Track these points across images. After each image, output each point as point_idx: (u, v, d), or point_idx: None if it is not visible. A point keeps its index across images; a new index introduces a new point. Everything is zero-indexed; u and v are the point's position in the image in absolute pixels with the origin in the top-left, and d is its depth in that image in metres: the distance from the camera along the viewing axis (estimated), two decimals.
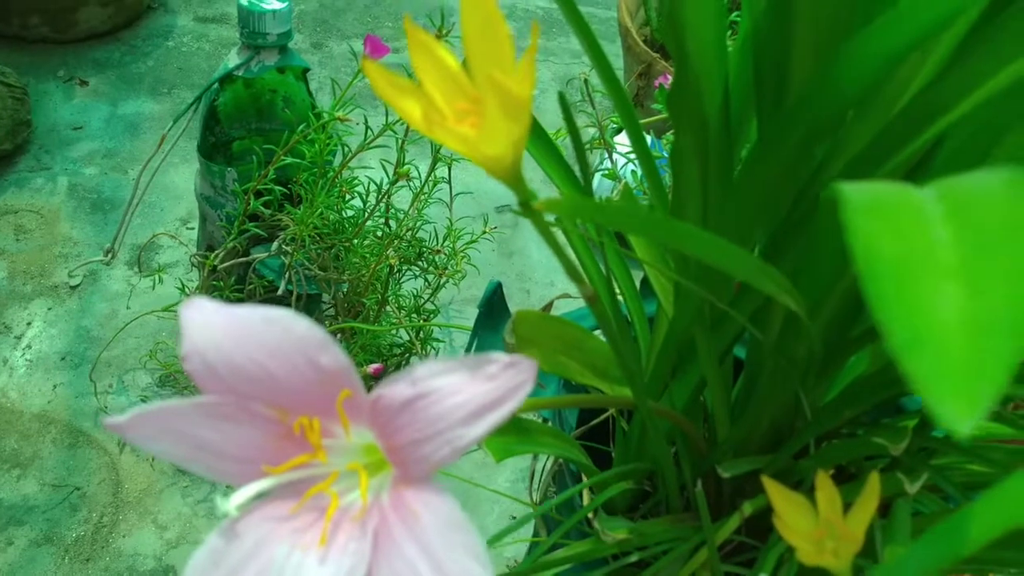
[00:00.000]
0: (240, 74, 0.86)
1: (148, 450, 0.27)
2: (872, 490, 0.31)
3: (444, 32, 0.73)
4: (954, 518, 0.18)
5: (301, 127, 0.77)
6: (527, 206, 0.24)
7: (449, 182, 0.91)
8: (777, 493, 0.32)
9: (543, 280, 1.24)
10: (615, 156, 0.96)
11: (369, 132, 0.78)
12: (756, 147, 0.33)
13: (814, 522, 0.32)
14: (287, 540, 0.26)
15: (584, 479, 0.55)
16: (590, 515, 0.49)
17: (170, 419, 0.27)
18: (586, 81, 0.81)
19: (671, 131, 0.93)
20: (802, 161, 0.34)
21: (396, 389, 0.25)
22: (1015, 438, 0.54)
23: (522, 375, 0.24)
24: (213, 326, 0.27)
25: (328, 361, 0.26)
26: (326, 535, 0.26)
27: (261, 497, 0.28)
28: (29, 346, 1.08)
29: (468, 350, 0.52)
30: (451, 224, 0.96)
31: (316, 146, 0.79)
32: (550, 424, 0.56)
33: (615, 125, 1.09)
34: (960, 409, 0.13)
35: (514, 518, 0.96)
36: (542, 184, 1.35)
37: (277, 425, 0.27)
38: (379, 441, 0.27)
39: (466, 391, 0.25)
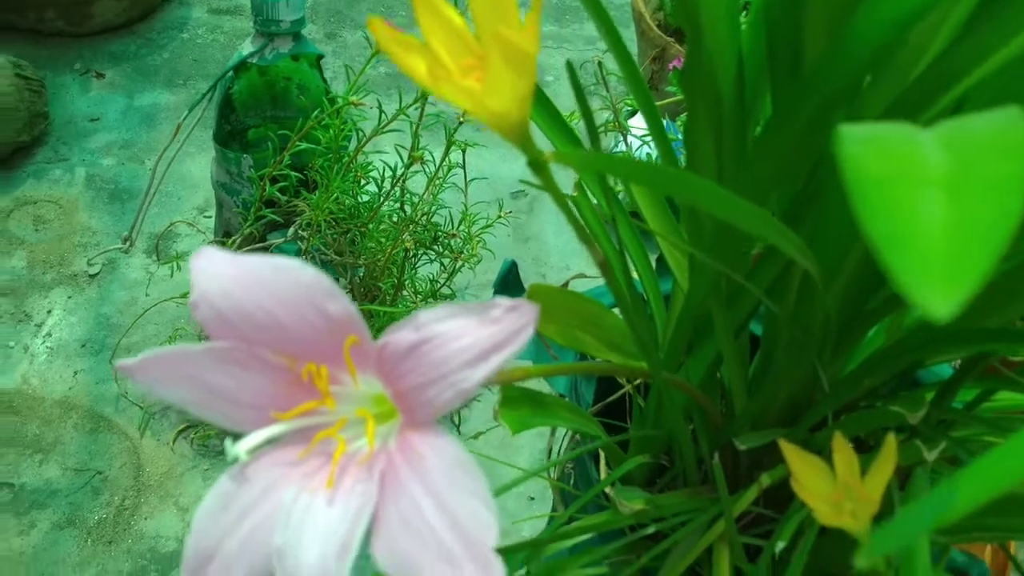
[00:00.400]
0: (254, 62, 0.86)
1: (159, 395, 0.28)
2: (889, 452, 0.31)
3: None
4: (957, 476, 0.18)
5: (316, 112, 0.78)
6: (536, 164, 0.25)
7: (464, 167, 0.91)
8: (794, 455, 0.32)
9: (559, 264, 1.24)
10: (629, 139, 0.96)
11: (384, 117, 0.78)
12: (771, 119, 0.34)
13: (832, 484, 0.32)
14: (295, 484, 0.27)
15: (601, 454, 0.56)
16: (607, 490, 0.49)
17: (180, 364, 0.27)
18: (600, 64, 0.81)
19: (685, 113, 0.93)
20: (817, 132, 0.34)
21: (401, 335, 0.26)
22: None
23: (524, 318, 0.25)
24: (222, 274, 0.27)
25: (335, 309, 0.26)
26: (333, 477, 0.27)
27: (271, 444, 0.28)
28: (50, 334, 1.09)
29: None
30: (466, 209, 0.96)
31: (331, 131, 0.79)
32: (567, 401, 0.56)
33: (629, 108, 1.09)
34: (940, 293, 0.13)
35: (532, 498, 0.97)
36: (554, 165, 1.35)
37: (286, 372, 0.28)
38: (386, 387, 0.27)
39: (470, 335, 0.25)
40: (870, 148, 0.17)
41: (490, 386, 0.98)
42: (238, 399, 0.28)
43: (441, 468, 0.25)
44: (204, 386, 0.27)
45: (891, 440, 0.30)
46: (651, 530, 0.46)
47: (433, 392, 0.26)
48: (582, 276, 0.69)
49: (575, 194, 0.55)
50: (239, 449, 0.27)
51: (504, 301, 0.25)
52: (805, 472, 0.32)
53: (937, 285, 0.13)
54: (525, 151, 0.25)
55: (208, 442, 1.00)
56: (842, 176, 0.16)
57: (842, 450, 0.32)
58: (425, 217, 0.90)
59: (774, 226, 0.25)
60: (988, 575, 0.54)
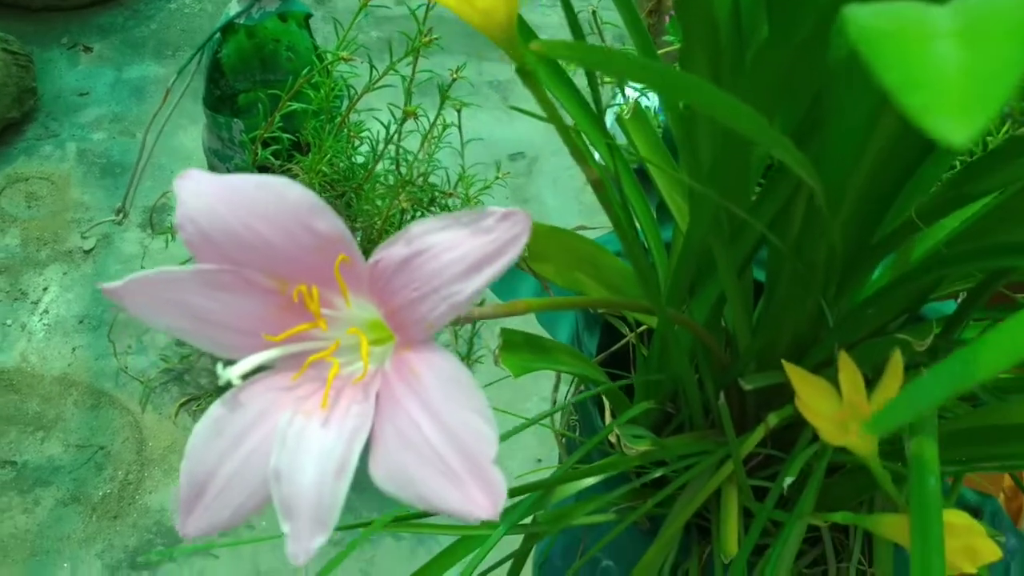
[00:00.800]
0: (241, 22, 0.84)
1: (149, 321, 0.27)
2: (895, 368, 0.30)
3: None
4: (962, 352, 0.17)
5: (306, 70, 0.76)
6: (524, 71, 0.24)
7: (459, 128, 0.90)
8: (798, 376, 0.31)
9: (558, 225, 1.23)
10: (627, 91, 0.95)
11: (375, 72, 0.77)
12: (768, 34, 0.32)
13: (837, 405, 0.31)
14: (290, 407, 0.26)
15: (606, 403, 0.55)
16: (612, 438, 0.48)
17: (167, 287, 0.26)
18: (594, 13, 0.79)
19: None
20: (815, 45, 0.32)
21: (393, 250, 0.25)
22: None
23: (518, 226, 0.24)
24: (206, 193, 0.26)
25: (324, 226, 0.25)
26: (327, 399, 0.26)
27: (265, 370, 0.27)
28: (47, 311, 1.08)
29: None
30: (463, 170, 0.95)
31: (322, 91, 0.78)
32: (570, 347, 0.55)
33: None
34: (958, 120, 0.12)
35: (539, 460, 0.96)
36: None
37: (276, 295, 0.27)
38: (379, 308, 0.26)
39: (462, 245, 0.24)
40: (879, 16, 0.16)
41: (491, 321, 0.97)
42: (228, 324, 0.27)
43: (437, 384, 0.24)
44: (193, 311, 0.27)
45: (897, 357, 0.30)
46: (658, 474, 0.45)
47: (427, 307, 0.25)
48: (583, 228, 0.68)
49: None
50: (232, 374, 0.26)
51: (496, 209, 0.24)
52: (810, 393, 0.31)
53: (954, 113, 0.12)
54: (511, 55, 0.24)
55: None
56: (853, 45, 0.15)
57: (847, 369, 0.31)
58: (422, 178, 0.89)
59: (765, 128, 0.24)
60: (1000, 512, 0.53)
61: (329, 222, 0.25)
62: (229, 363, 0.26)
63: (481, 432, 0.23)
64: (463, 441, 0.23)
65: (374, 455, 0.25)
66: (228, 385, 0.26)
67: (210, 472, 0.26)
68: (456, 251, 0.24)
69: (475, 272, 0.24)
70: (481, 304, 0.30)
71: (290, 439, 0.25)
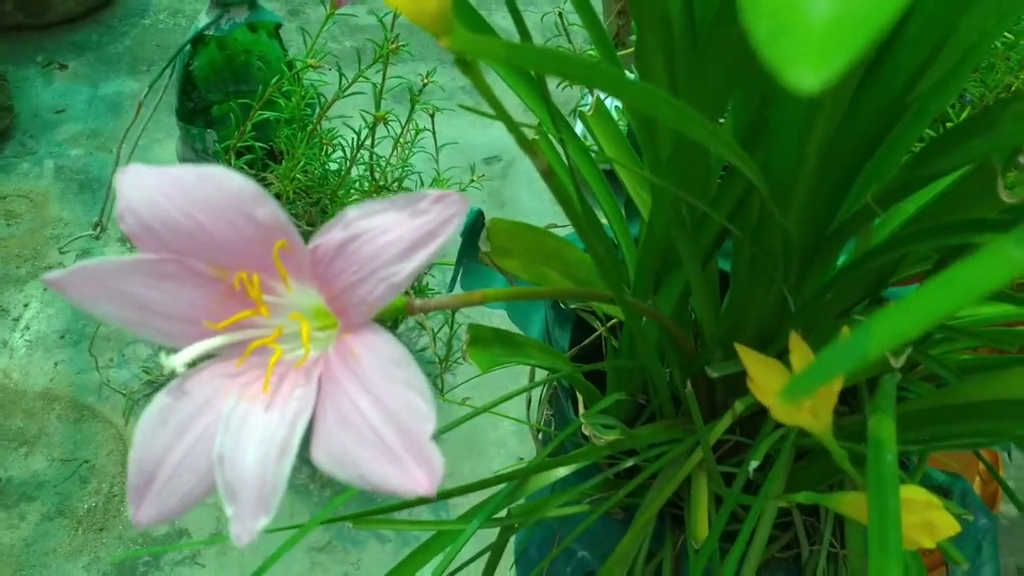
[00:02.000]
0: (211, 34, 0.85)
1: (93, 312, 0.27)
2: (797, 344, 0.31)
3: None
4: (870, 320, 0.18)
5: (276, 78, 0.77)
6: (463, 62, 0.24)
7: (433, 132, 0.90)
8: (750, 358, 0.32)
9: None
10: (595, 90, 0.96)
11: (344, 80, 0.77)
12: (715, 15, 0.33)
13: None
14: (234, 394, 0.27)
15: (579, 398, 0.55)
16: (586, 431, 0.49)
17: (110, 277, 0.27)
18: (560, 15, 0.80)
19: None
20: None
21: (331, 235, 0.26)
22: (1017, 320, 0.54)
23: (452, 208, 0.24)
24: (146, 185, 0.27)
25: (264, 214, 0.26)
26: (268, 383, 0.26)
27: (210, 358, 0.28)
28: (28, 327, 1.08)
29: (454, 279, 0.52)
30: (438, 174, 0.95)
31: (293, 100, 0.78)
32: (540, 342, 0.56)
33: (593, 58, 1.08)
34: (812, 67, 0.12)
35: (521, 459, 0.97)
36: (517, 110, 1.34)
37: (218, 283, 0.27)
38: (321, 292, 0.27)
39: (397, 228, 0.25)
40: None
41: (456, 332, 0.97)
42: (171, 313, 0.27)
43: (376, 364, 0.25)
44: (136, 301, 0.27)
45: (845, 330, 0.30)
46: (629, 463, 0.46)
47: (365, 289, 0.25)
48: (554, 226, 0.69)
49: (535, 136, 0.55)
50: (175, 362, 0.26)
51: (432, 192, 0.24)
52: (761, 373, 0.32)
53: (810, 62, 0.12)
54: (450, 44, 0.24)
55: None
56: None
57: (798, 348, 0.32)
58: (396, 183, 0.90)
59: (703, 125, 0.24)
60: (970, 492, 0.54)
61: (268, 210, 0.26)
62: (174, 351, 0.27)
63: (418, 409, 0.24)
64: (401, 419, 0.24)
65: (316, 437, 0.25)
66: (173, 374, 0.27)
67: (158, 460, 0.26)
68: (392, 233, 0.25)
69: (411, 253, 0.25)
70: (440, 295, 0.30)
71: (233, 424, 0.26)
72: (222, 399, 0.27)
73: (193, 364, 0.27)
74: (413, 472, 0.23)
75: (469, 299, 0.30)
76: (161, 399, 0.27)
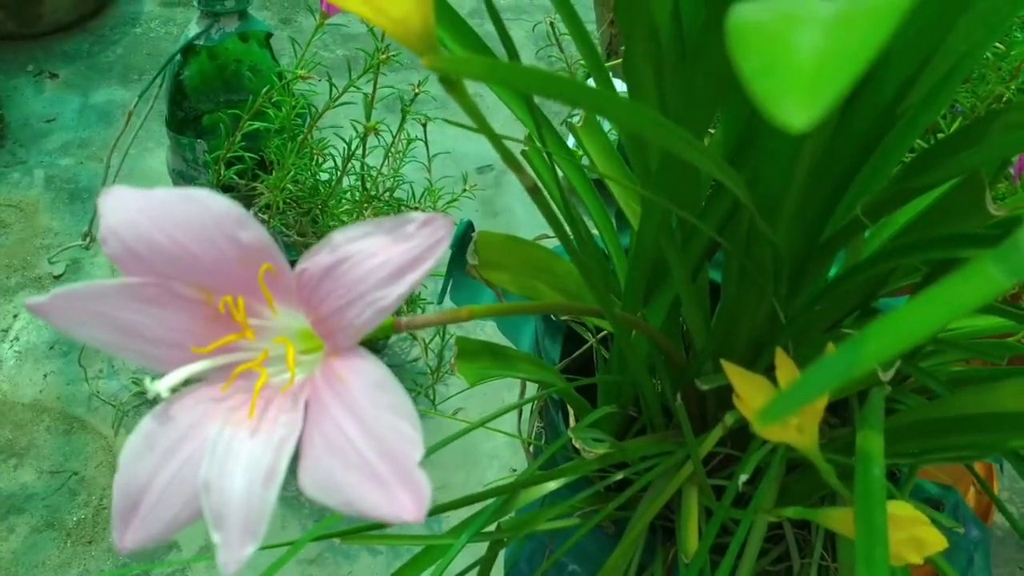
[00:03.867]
0: (202, 43, 0.85)
1: (76, 336, 0.27)
2: (782, 361, 0.30)
3: None
4: (854, 338, 0.18)
5: (265, 89, 0.77)
6: (447, 80, 0.24)
7: (425, 142, 0.90)
8: (736, 374, 0.32)
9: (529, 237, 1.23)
10: None
11: (334, 90, 0.77)
12: (704, 19, 0.33)
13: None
14: (220, 419, 0.26)
15: (570, 411, 0.55)
16: (577, 444, 0.48)
17: (93, 301, 0.27)
18: (552, 25, 0.80)
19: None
20: None
21: (317, 259, 0.25)
22: (1008, 332, 0.54)
23: (439, 232, 0.24)
24: (129, 208, 0.27)
25: (248, 237, 0.26)
26: (254, 408, 0.26)
27: (196, 382, 0.28)
28: (17, 338, 1.07)
29: (443, 290, 0.52)
30: (430, 184, 0.95)
31: (283, 109, 0.78)
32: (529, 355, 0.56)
33: (585, 70, 1.08)
34: (799, 105, 0.12)
35: (514, 470, 0.96)
36: (508, 121, 1.34)
37: (203, 307, 0.27)
38: (307, 316, 0.26)
39: (384, 252, 0.25)
40: (760, 9, 0.16)
41: (447, 343, 0.96)
42: (156, 337, 0.27)
43: (362, 388, 0.24)
44: (120, 325, 0.27)
45: (830, 346, 0.30)
46: (619, 476, 0.46)
47: (352, 313, 0.25)
48: (545, 236, 0.69)
49: (527, 148, 0.55)
50: (160, 387, 0.26)
51: (418, 216, 0.24)
52: (747, 389, 0.32)
53: (799, 99, 0.12)
54: (433, 63, 0.24)
55: None
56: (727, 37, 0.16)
57: (783, 364, 0.31)
58: (388, 193, 0.89)
59: (686, 140, 0.24)
60: (962, 504, 0.54)
61: (253, 233, 0.26)
62: (158, 376, 0.27)
63: (405, 435, 0.24)
64: (388, 444, 0.24)
65: (302, 463, 0.25)
66: (158, 398, 0.26)
67: (143, 486, 0.26)
68: (378, 258, 0.25)
69: (398, 278, 0.24)
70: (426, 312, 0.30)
71: (219, 449, 0.26)
72: (207, 424, 0.26)
73: (177, 388, 0.27)
74: (400, 498, 0.23)
75: (456, 316, 0.29)
76: (146, 424, 0.27)
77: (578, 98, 0.25)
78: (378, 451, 0.24)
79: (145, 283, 0.27)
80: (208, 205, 0.26)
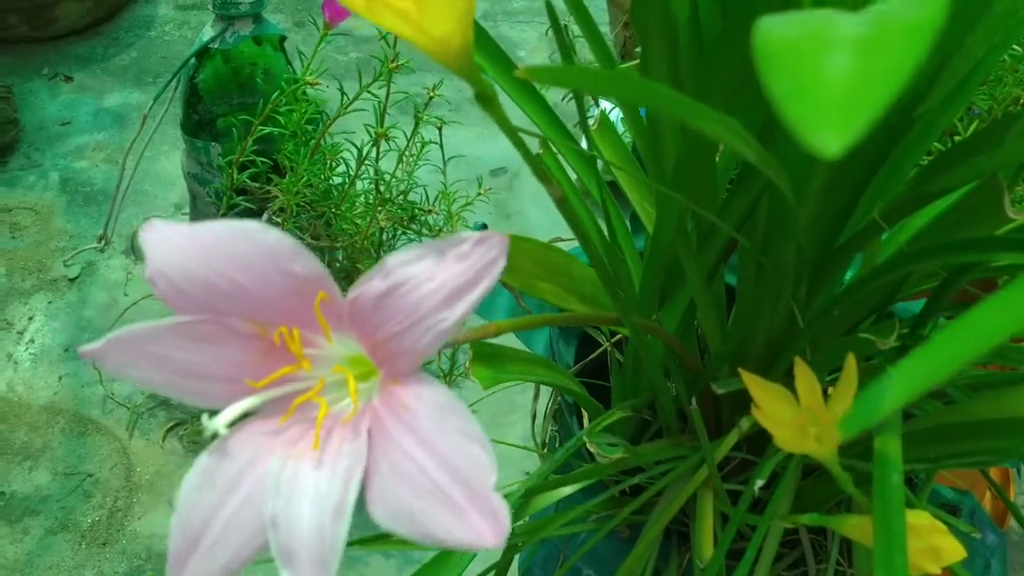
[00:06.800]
0: (216, 47, 0.85)
1: (128, 377, 0.26)
2: (850, 372, 0.30)
3: None
4: (919, 352, 0.18)
5: (275, 95, 0.77)
6: (484, 97, 0.24)
7: (440, 145, 0.90)
8: (754, 384, 0.32)
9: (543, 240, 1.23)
10: (601, 101, 0.95)
11: (345, 98, 0.77)
12: (723, 27, 0.33)
13: (795, 411, 0.31)
14: (279, 452, 0.26)
15: (585, 415, 0.55)
16: (592, 448, 0.48)
17: (146, 343, 0.26)
18: (565, 27, 0.80)
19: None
20: None
21: (371, 285, 0.25)
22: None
23: (494, 250, 0.24)
24: (176, 245, 0.26)
25: (301, 268, 0.25)
26: (319, 440, 0.25)
27: (250, 416, 0.27)
28: (32, 340, 1.08)
29: None
30: (445, 187, 0.95)
31: (295, 115, 0.78)
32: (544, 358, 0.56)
33: None
34: (832, 131, 0.12)
35: (527, 474, 0.96)
36: (521, 124, 1.34)
37: (257, 340, 0.27)
38: (362, 343, 0.26)
39: (440, 275, 0.24)
40: (788, 24, 0.16)
41: (461, 346, 0.97)
42: (210, 374, 0.27)
43: (429, 415, 0.24)
44: (174, 364, 0.26)
45: (851, 360, 0.30)
46: (634, 481, 0.45)
47: (411, 338, 0.25)
48: (559, 239, 0.69)
49: (541, 151, 0.55)
50: (217, 423, 0.25)
51: (471, 235, 0.24)
52: (767, 400, 0.31)
53: (831, 123, 0.12)
54: (471, 81, 0.24)
55: (198, 438, 0.99)
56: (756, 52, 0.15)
57: (803, 375, 0.31)
58: (401, 196, 0.89)
59: (722, 121, 0.24)
60: (979, 509, 0.54)
61: (306, 263, 0.25)
62: (214, 413, 0.26)
63: (479, 460, 0.23)
64: (461, 471, 0.23)
65: (371, 492, 0.24)
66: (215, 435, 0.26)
67: (202, 525, 0.26)
68: (434, 281, 0.24)
69: (456, 300, 0.24)
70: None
71: (284, 484, 0.25)
72: (267, 458, 0.26)
73: (233, 423, 0.26)
74: (478, 524, 0.23)
75: (484, 332, 0.29)
76: (204, 461, 0.26)
77: (633, 92, 0.24)
78: (451, 477, 0.23)
79: (197, 320, 0.26)
80: (258, 240, 0.25)
